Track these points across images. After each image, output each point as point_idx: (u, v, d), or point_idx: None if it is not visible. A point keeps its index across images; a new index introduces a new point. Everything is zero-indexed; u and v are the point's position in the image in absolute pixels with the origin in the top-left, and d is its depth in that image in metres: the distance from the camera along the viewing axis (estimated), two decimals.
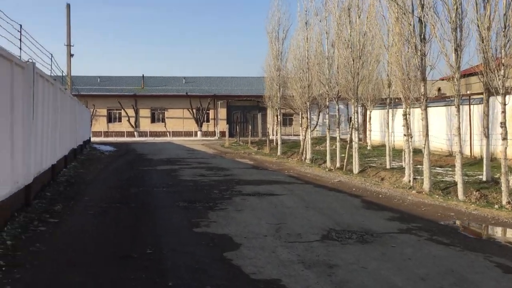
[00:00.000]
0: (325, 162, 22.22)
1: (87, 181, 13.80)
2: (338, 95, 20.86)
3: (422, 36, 13.39)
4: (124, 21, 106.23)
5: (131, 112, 48.78)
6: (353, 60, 18.34)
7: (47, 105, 11.93)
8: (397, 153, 23.27)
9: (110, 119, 49.69)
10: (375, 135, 31.09)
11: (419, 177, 14.32)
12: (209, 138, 46.97)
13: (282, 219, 8.40)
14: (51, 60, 16.59)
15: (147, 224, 8.06)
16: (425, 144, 13.25)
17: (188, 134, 48.73)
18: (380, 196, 11.58)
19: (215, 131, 49.34)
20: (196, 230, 7.57)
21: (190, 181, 13.94)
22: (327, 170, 18.42)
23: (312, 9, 22.31)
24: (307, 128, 23.98)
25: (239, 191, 11.81)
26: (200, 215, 8.74)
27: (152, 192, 11.87)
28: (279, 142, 28.14)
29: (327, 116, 41.34)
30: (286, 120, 48.37)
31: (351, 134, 18.72)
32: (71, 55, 33.29)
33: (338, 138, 20.76)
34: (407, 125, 15.54)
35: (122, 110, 48.65)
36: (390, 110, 20.34)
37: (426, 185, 13.02)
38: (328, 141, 21.64)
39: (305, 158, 23.47)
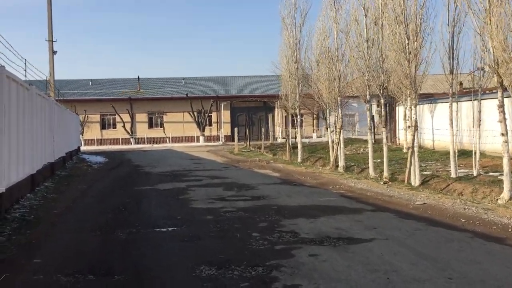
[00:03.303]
0: (363, 170, 17.83)
1: (52, 217, 9.18)
2: (384, 86, 16.46)
3: None
4: (117, 22, 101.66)
5: (126, 117, 44.11)
6: (408, 39, 13.94)
7: None
8: (442, 155, 19.75)
9: (103, 126, 45.10)
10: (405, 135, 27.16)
11: None
12: (212, 143, 42.34)
13: None
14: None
15: None
16: None
17: (190, 139, 44.07)
18: None
19: (219, 136, 44.77)
20: None
21: (207, 212, 9.41)
22: (382, 183, 13.90)
23: None
24: (340, 129, 19.51)
25: (294, 233, 7.22)
26: None
27: (151, 238, 7.31)
28: (299, 147, 23.78)
29: (339, 115, 37.21)
30: (296, 121, 43.83)
31: (413, 136, 14.18)
32: (54, 52, 28.80)
33: (384, 141, 16.31)
34: (504, 120, 11.14)
35: (117, 115, 44.02)
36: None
37: None
38: (370, 145, 17.20)
39: (338, 166, 19.08)
